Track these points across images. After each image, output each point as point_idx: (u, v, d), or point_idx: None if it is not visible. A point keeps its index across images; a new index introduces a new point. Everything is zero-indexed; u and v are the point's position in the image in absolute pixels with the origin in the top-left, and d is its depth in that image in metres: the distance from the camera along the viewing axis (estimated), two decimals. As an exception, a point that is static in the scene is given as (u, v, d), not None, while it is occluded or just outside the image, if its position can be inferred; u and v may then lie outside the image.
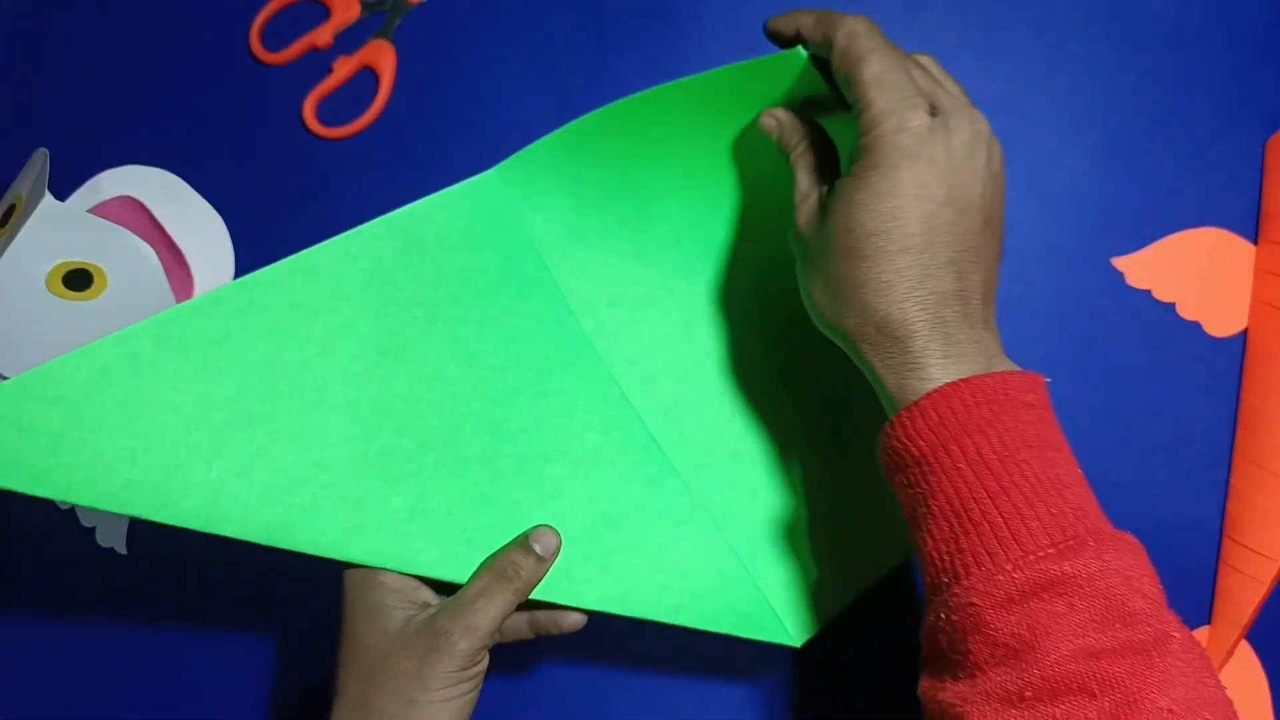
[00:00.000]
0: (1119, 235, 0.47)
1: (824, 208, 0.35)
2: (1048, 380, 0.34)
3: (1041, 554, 0.29)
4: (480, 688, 0.37)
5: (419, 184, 0.49)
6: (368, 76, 0.50)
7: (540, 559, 0.38)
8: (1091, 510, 0.31)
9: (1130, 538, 0.32)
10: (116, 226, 0.44)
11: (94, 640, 0.49)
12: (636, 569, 0.41)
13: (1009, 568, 0.29)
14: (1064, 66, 0.48)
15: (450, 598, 0.38)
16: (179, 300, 0.47)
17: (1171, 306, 0.47)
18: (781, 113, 0.38)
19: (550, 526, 0.39)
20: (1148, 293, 0.47)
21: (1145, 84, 0.48)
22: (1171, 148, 0.47)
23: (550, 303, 0.42)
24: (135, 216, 0.49)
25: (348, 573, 0.38)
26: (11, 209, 0.44)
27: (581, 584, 0.40)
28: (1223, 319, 0.47)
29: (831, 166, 0.37)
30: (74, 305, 0.43)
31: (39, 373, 0.35)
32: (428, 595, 0.38)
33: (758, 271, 0.44)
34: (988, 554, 0.30)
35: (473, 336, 0.41)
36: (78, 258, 0.43)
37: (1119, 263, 0.47)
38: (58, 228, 0.42)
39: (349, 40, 0.51)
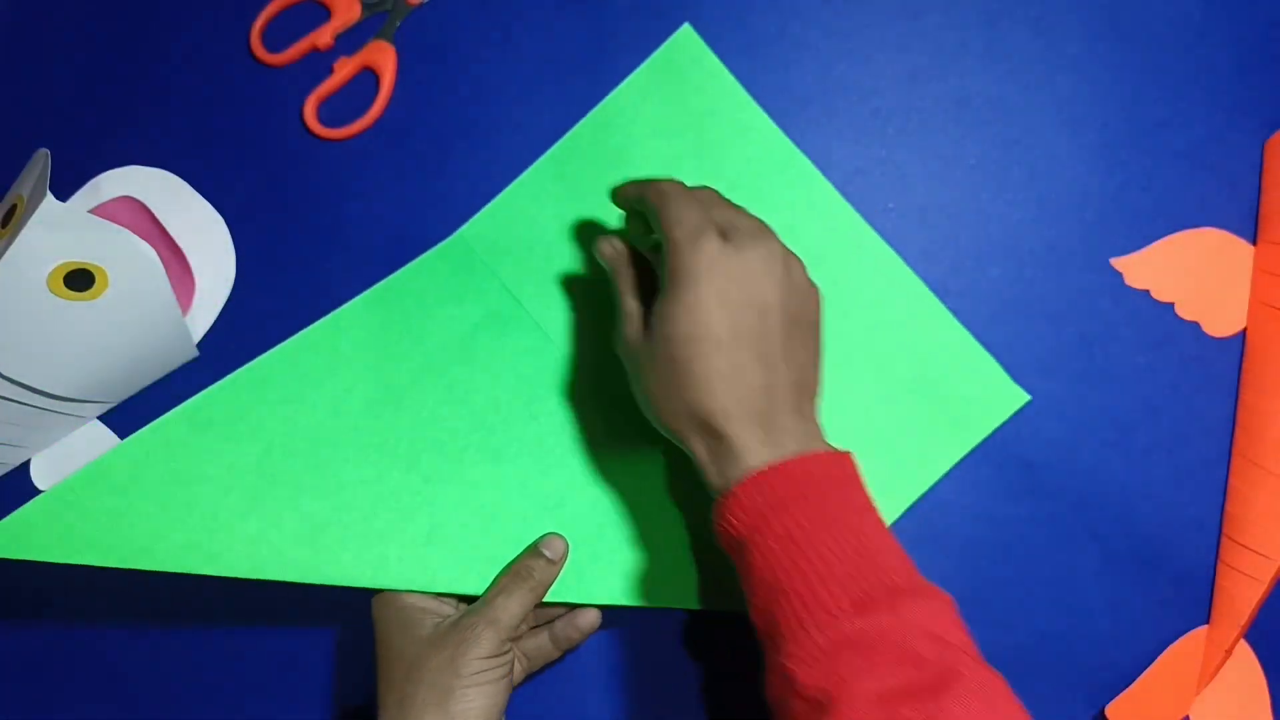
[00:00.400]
0: (1118, 235, 0.47)
1: (647, 324, 0.40)
2: (852, 453, 0.38)
3: (841, 614, 0.33)
4: (508, 680, 0.41)
5: (419, 184, 0.49)
6: (368, 77, 0.50)
7: (550, 561, 0.43)
8: (893, 566, 0.35)
9: (935, 589, 0.35)
10: (117, 227, 0.44)
11: (97, 640, 0.49)
12: (640, 560, 0.45)
13: (814, 631, 0.33)
14: (1063, 67, 0.48)
15: (476, 601, 0.42)
16: (180, 301, 0.47)
17: (1170, 306, 0.47)
18: (618, 242, 0.43)
19: (558, 534, 0.44)
20: (1146, 293, 0.47)
21: (1144, 84, 0.48)
22: (1170, 148, 0.47)
23: (530, 336, 0.47)
24: (136, 217, 0.49)
25: (376, 597, 0.42)
26: (13, 209, 0.44)
27: (593, 582, 0.44)
28: (1221, 319, 0.47)
29: (651, 288, 0.42)
30: (75, 305, 0.43)
31: (96, 465, 0.42)
32: (450, 608, 0.43)
33: None
34: (798, 621, 0.33)
35: (463, 378, 0.46)
36: (79, 258, 0.43)
37: (1118, 263, 0.47)
38: (59, 228, 0.42)
39: (350, 41, 0.51)
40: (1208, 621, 0.46)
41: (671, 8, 0.49)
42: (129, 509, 0.42)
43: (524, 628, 0.43)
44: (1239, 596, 0.45)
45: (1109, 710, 0.46)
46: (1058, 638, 0.47)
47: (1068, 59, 0.48)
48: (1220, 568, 0.46)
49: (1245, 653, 0.46)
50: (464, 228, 0.48)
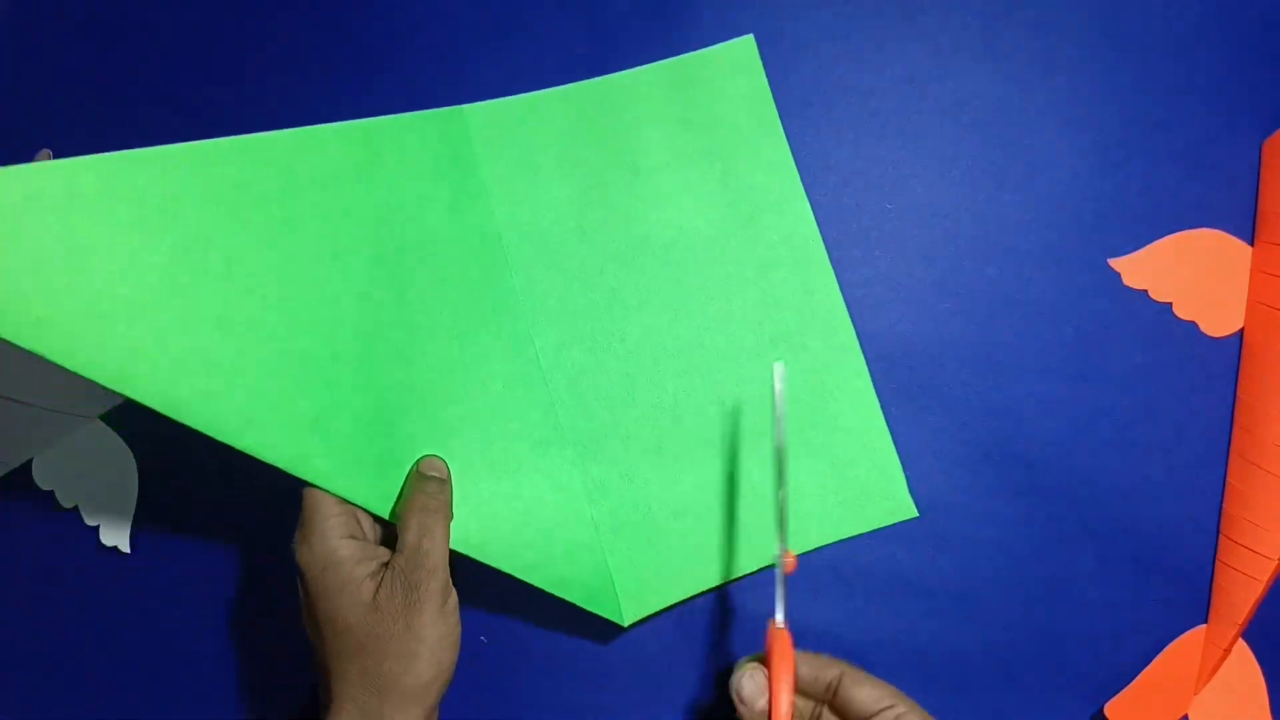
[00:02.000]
0: (1116, 236, 0.48)
1: None
2: None
3: None
4: (459, 617, 0.39)
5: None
6: (369, 78, 0.50)
7: (441, 481, 0.41)
8: None
9: None
10: (119, 227, 0.44)
11: (96, 641, 0.49)
12: (505, 522, 0.43)
13: None
14: (1061, 68, 0.48)
15: (398, 554, 0.39)
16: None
17: (1168, 306, 0.47)
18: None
19: (434, 455, 0.42)
20: (1144, 293, 0.47)
21: (1142, 85, 0.48)
22: (1168, 149, 0.48)
23: (488, 251, 0.45)
24: (138, 217, 0.49)
25: (303, 561, 0.39)
26: (15, 210, 0.44)
27: (452, 530, 0.41)
28: (1219, 319, 0.47)
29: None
30: (77, 305, 0.43)
31: None
32: (373, 548, 0.39)
33: (685, 272, 0.47)
34: None
35: (408, 267, 0.42)
36: (81, 258, 0.43)
37: (1116, 263, 0.48)
38: (61, 228, 0.42)
39: (350, 42, 0.51)
40: (1206, 621, 0.47)
41: (672, 8, 0.49)
42: None
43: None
44: (1237, 595, 0.45)
45: (1108, 709, 0.46)
46: (1056, 637, 0.47)
47: (1066, 60, 0.48)
48: (1218, 567, 0.46)
49: (1244, 652, 0.46)
50: (473, 105, 0.47)
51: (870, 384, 0.47)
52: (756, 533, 0.46)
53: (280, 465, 0.38)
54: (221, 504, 0.49)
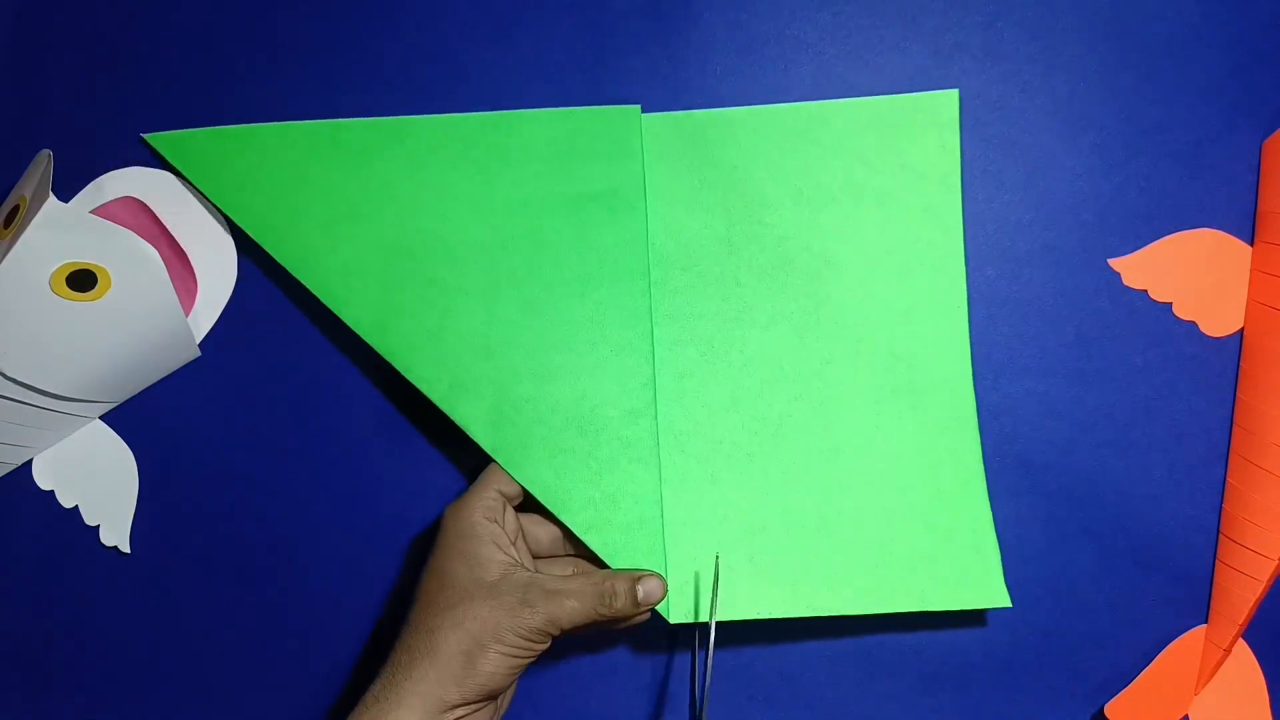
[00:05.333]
0: (1115, 236, 0.48)
1: None
2: None
3: None
4: (532, 662, 0.41)
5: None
6: (369, 78, 0.50)
7: (637, 604, 0.42)
8: None
9: None
10: (120, 227, 0.44)
11: (96, 641, 0.49)
12: (577, 474, 0.45)
13: None
14: (1061, 68, 0.48)
15: (550, 577, 0.41)
16: (183, 301, 0.47)
17: (1168, 306, 0.47)
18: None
19: (661, 578, 0.43)
20: (1144, 293, 0.47)
21: (1142, 85, 0.48)
22: (1168, 149, 0.48)
23: (633, 235, 0.47)
24: (138, 217, 0.49)
25: (449, 517, 0.42)
26: (15, 210, 0.45)
27: (523, 466, 0.45)
28: (1219, 319, 0.47)
29: None
30: (78, 306, 0.44)
31: (260, 129, 0.48)
32: (516, 554, 0.42)
33: (822, 304, 0.47)
34: None
35: (551, 226, 0.47)
36: (81, 258, 0.43)
37: (1115, 263, 0.48)
38: (61, 229, 0.43)
39: (350, 42, 0.51)
40: (1206, 620, 0.47)
41: (672, 8, 0.49)
42: (253, 168, 0.47)
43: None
44: (1237, 595, 0.45)
45: (1108, 709, 0.46)
46: (1056, 637, 0.47)
47: (1065, 60, 0.48)
48: (1218, 566, 0.46)
49: (1244, 651, 0.46)
50: (653, 115, 0.48)
51: (981, 464, 0.46)
52: (833, 578, 0.45)
53: (396, 365, 0.45)
54: (221, 504, 0.49)
